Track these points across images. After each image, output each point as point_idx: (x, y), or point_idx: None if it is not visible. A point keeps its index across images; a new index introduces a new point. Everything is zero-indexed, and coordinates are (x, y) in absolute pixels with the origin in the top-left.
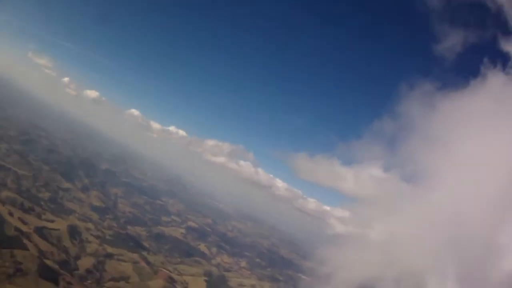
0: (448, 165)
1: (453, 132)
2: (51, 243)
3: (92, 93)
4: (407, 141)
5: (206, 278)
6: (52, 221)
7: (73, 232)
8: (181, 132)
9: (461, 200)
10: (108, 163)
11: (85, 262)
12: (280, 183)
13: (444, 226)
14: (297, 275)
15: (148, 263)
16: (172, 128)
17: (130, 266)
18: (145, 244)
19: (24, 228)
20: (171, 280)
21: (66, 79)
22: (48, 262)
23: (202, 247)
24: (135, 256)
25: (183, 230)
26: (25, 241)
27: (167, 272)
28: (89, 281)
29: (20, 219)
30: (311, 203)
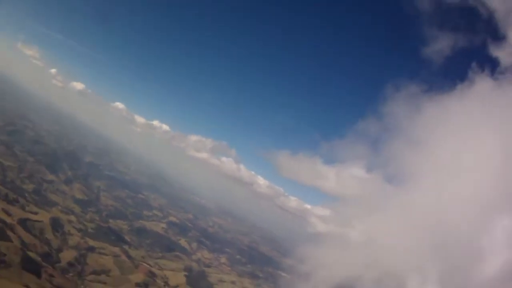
0: (431, 167)
1: (437, 135)
2: (34, 235)
3: (78, 85)
4: (391, 142)
5: (186, 273)
6: (36, 213)
7: (56, 224)
8: (165, 127)
9: (444, 203)
10: (92, 156)
11: (67, 255)
12: (261, 180)
13: (426, 229)
14: (277, 272)
15: (129, 257)
16: (156, 123)
17: (111, 260)
18: (127, 238)
19: (8, 220)
20: (151, 275)
21: (53, 70)
22: (31, 254)
23: (183, 242)
24: (116, 249)
25: (164, 225)
26: (9, 232)
27: (148, 266)
28: (70, 274)
29: (4, 210)
30: (293, 201)
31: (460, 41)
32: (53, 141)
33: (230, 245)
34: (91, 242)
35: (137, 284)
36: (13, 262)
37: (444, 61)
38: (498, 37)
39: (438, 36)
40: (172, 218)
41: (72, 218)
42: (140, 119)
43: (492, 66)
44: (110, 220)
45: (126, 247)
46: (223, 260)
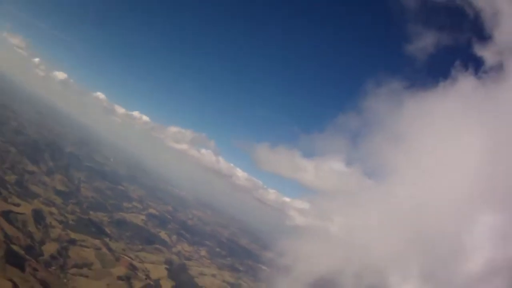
0: (411, 163)
1: (418, 131)
2: (16, 227)
3: (60, 75)
4: (371, 137)
5: (167, 266)
6: (18, 205)
7: (38, 216)
8: (145, 118)
9: (424, 198)
10: (73, 146)
11: (50, 248)
12: (240, 173)
13: (407, 223)
14: (257, 265)
15: (110, 249)
16: (136, 113)
17: (92, 252)
18: (107, 230)
19: None
20: (132, 268)
21: (36, 59)
22: (14, 247)
23: (163, 234)
24: (97, 242)
25: (144, 217)
26: None
27: (129, 259)
28: (53, 267)
29: None
30: (271, 194)
31: (445, 39)
32: (34, 131)
33: (210, 238)
34: (73, 235)
35: (119, 278)
36: None
37: (427, 59)
38: (483, 36)
39: (422, 33)
40: (151, 210)
41: (54, 210)
42: (120, 110)
43: (476, 65)
44: (91, 212)
45: (106, 239)
46: (203, 253)
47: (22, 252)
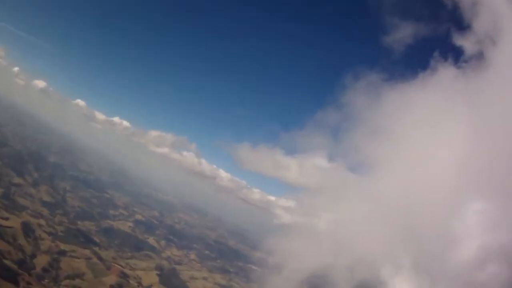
0: (395, 156)
1: (399, 123)
2: (7, 241)
3: (40, 83)
4: (352, 131)
5: (158, 272)
6: (7, 219)
7: (27, 229)
8: (125, 123)
9: (409, 190)
10: (56, 155)
11: (41, 260)
12: (223, 174)
13: (395, 216)
14: (248, 266)
15: (100, 258)
16: (116, 119)
17: (83, 263)
18: (96, 239)
19: None
20: (124, 276)
21: (16, 68)
22: (6, 262)
23: (151, 240)
24: (87, 252)
25: (131, 224)
26: None
27: (120, 267)
28: (46, 280)
29: None
30: (256, 193)
31: (423, 30)
32: (18, 142)
33: (198, 241)
34: (62, 246)
35: (111, 286)
36: None
37: (406, 50)
38: (462, 26)
39: (399, 24)
40: (138, 216)
41: (42, 221)
42: (100, 116)
43: (455, 55)
44: (78, 222)
45: (96, 248)
46: (192, 256)
47: (14, 266)
